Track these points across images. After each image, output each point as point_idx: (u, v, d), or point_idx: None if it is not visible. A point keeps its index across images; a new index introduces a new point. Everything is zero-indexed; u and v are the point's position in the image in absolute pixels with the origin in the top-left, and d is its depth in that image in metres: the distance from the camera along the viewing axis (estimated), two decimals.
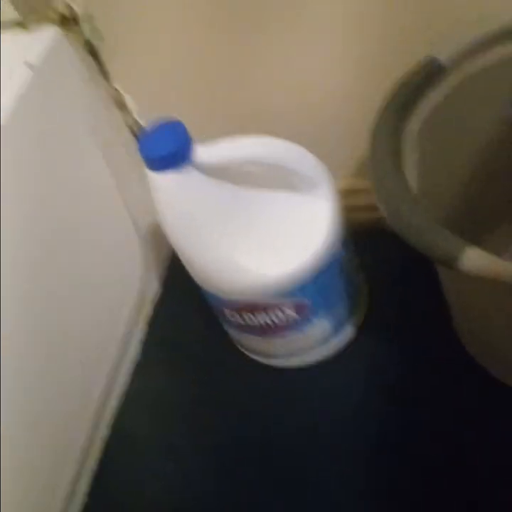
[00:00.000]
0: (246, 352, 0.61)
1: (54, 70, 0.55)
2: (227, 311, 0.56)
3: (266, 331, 0.56)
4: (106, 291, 0.61)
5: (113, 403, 0.62)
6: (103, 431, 0.60)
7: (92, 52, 0.58)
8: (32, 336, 0.51)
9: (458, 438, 0.52)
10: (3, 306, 0.47)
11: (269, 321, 0.55)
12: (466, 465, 0.50)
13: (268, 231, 0.52)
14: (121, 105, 0.62)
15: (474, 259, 0.37)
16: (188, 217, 0.50)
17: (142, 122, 0.63)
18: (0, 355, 0.47)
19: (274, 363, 0.60)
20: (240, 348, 0.62)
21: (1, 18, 0.55)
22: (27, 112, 0.51)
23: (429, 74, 0.48)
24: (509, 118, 0.52)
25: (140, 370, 0.64)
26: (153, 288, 0.70)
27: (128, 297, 0.65)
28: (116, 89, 0.61)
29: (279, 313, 0.54)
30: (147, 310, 0.68)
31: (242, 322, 0.56)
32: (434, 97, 0.48)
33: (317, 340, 0.58)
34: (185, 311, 0.66)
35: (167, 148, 0.46)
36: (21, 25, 0.55)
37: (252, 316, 0.55)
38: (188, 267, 0.55)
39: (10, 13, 0.55)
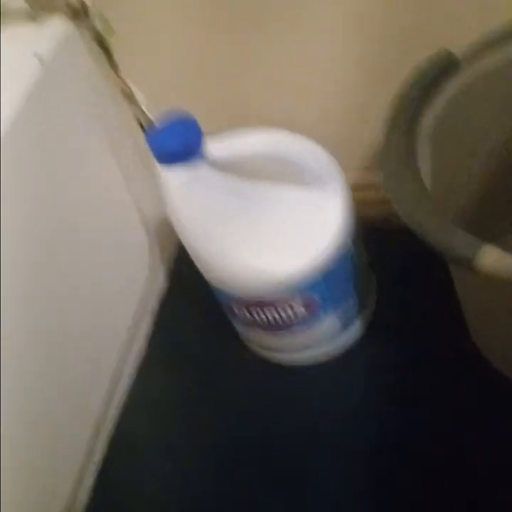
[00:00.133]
0: (253, 348, 0.61)
1: (63, 62, 0.54)
2: (235, 307, 0.56)
3: (274, 326, 0.56)
4: (111, 288, 0.61)
5: (115, 403, 0.62)
6: (104, 431, 0.60)
7: (102, 44, 0.58)
8: (32, 335, 0.51)
9: (458, 438, 0.52)
10: (3, 306, 0.47)
11: (277, 317, 0.55)
12: (466, 465, 0.50)
13: (278, 227, 0.51)
14: (130, 98, 0.62)
15: (492, 258, 0.37)
16: (197, 212, 0.50)
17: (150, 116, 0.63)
18: (0, 355, 0.46)
19: (283, 359, 0.60)
20: (247, 343, 0.61)
21: (10, 9, 0.55)
22: (36, 106, 0.50)
23: (445, 67, 0.47)
24: None
25: (144, 367, 0.64)
26: (160, 283, 0.70)
27: (133, 293, 0.65)
28: (125, 82, 0.61)
29: (288, 310, 0.54)
30: (153, 305, 0.68)
31: (250, 318, 0.56)
32: (449, 91, 0.47)
33: (326, 336, 0.58)
34: (190, 307, 0.66)
35: (179, 142, 0.46)
36: (30, 16, 0.55)
37: (260, 312, 0.55)
38: (196, 263, 0.54)
39: (19, 4, 0.54)
